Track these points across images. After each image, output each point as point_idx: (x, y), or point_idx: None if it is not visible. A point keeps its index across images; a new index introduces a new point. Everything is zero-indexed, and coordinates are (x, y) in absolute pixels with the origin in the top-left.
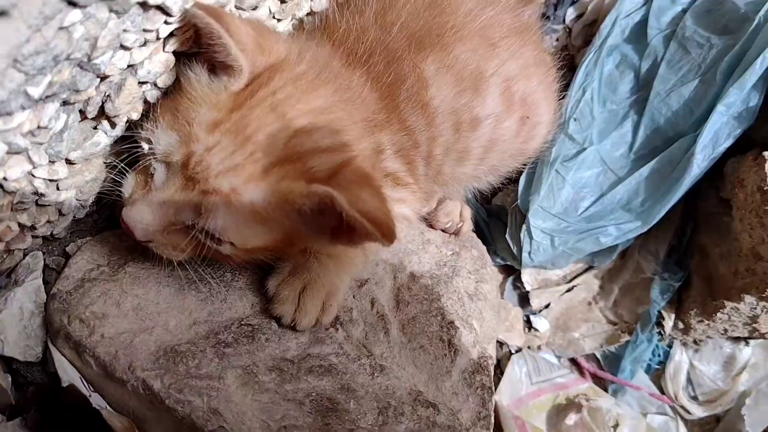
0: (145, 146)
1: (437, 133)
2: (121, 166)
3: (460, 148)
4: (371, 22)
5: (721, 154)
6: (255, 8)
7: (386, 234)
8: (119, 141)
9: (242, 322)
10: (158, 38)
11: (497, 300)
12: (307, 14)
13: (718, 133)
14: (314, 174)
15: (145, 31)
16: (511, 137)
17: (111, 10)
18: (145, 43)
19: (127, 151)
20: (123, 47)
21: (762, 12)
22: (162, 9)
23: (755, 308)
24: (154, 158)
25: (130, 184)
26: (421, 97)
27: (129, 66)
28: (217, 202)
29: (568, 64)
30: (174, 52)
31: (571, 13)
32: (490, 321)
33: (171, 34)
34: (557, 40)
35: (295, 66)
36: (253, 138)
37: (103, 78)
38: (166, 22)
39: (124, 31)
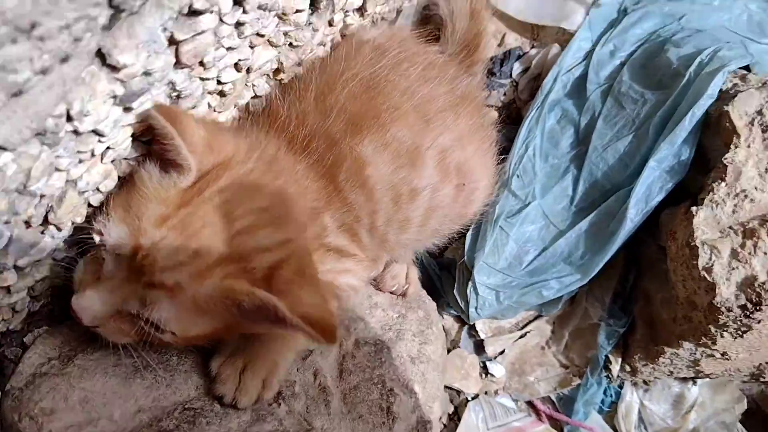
0: (97, 238)
1: (377, 207)
2: (74, 255)
3: (401, 217)
4: (312, 107)
5: (653, 208)
6: (193, 107)
7: (328, 337)
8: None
9: (185, 407)
10: (93, 155)
11: (442, 358)
12: (252, 98)
13: (651, 187)
14: (256, 274)
15: (79, 152)
16: (449, 203)
17: (43, 144)
18: (80, 162)
19: (80, 240)
20: (58, 170)
21: (692, 67)
22: (95, 131)
23: (695, 353)
24: (104, 249)
25: (80, 271)
26: (360, 176)
27: (68, 181)
28: (161, 295)
29: (516, 118)
30: (112, 161)
31: (517, 68)
32: (433, 381)
33: (108, 147)
34: (504, 94)
35: (243, 164)
36: (198, 235)
37: (42, 196)
38: (99, 141)
39: (57, 157)
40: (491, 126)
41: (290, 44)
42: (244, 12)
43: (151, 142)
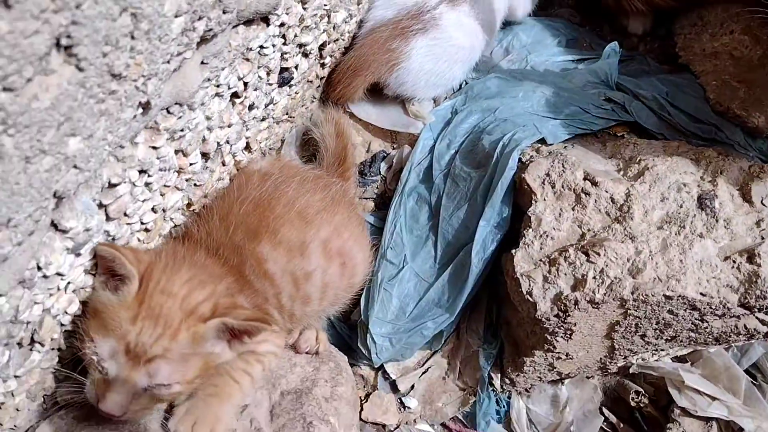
0: (95, 357)
1: (280, 290)
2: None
3: (302, 295)
4: (217, 225)
5: (491, 255)
6: (126, 244)
7: (264, 321)
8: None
9: None
10: (59, 289)
11: (353, 396)
12: (174, 227)
13: (485, 240)
14: (205, 316)
15: (49, 289)
16: (338, 279)
17: (24, 288)
18: (51, 295)
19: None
20: (36, 303)
21: (498, 149)
22: (58, 273)
23: (547, 359)
24: (101, 361)
25: (91, 388)
26: (262, 269)
27: (44, 310)
28: (159, 362)
29: (389, 204)
30: (73, 291)
31: (383, 167)
32: (346, 413)
33: (68, 282)
34: (377, 188)
35: (159, 262)
36: (161, 313)
37: (28, 323)
38: (61, 279)
39: (35, 295)
40: (361, 214)
41: (194, 184)
42: (149, 176)
43: (96, 274)
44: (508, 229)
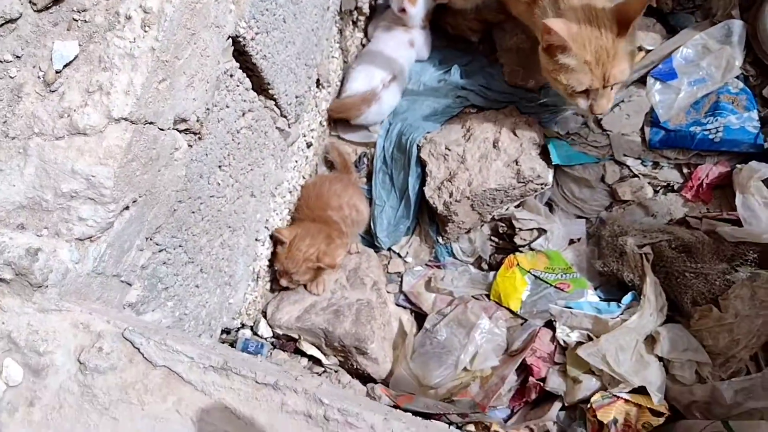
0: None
1: (340, 225)
2: None
3: (348, 225)
4: (304, 209)
5: (418, 190)
6: None
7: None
8: None
9: None
10: None
11: (379, 264)
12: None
13: (413, 185)
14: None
15: None
16: (356, 217)
17: None
18: None
19: None
20: None
21: (408, 143)
22: None
23: (455, 226)
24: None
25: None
26: (332, 219)
27: None
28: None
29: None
30: None
31: (365, 160)
32: (377, 272)
33: None
34: (365, 170)
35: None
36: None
37: None
38: None
39: None
40: (360, 188)
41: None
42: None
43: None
44: (422, 179)
